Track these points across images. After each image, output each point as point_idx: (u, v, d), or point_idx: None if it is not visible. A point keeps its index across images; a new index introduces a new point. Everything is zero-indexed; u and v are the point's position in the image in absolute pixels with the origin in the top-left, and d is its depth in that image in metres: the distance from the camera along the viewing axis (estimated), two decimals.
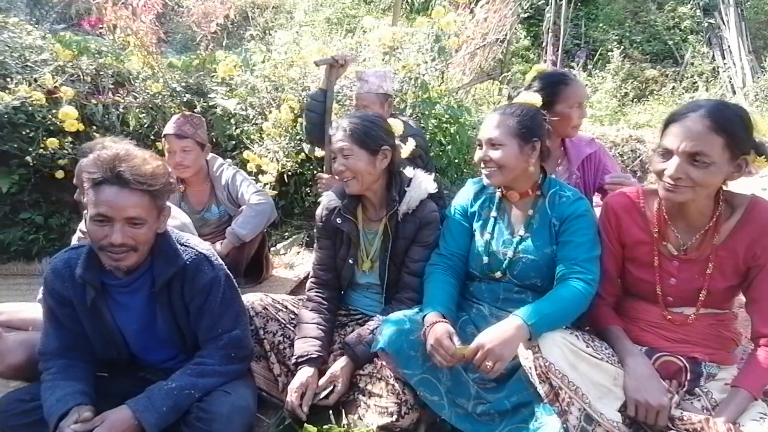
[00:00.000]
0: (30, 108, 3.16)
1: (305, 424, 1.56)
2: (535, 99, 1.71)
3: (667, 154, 1.35)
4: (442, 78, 4.09)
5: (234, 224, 2.51)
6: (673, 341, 1.52)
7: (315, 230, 1.95)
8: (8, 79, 3.20)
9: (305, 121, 2.53)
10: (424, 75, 3.48)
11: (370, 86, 2.52)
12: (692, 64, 7.18)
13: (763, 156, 1.34)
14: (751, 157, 1.34)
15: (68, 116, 2.91)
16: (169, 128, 2.52)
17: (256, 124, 3.45)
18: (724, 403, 1.37)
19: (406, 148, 2.16)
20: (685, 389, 1.46)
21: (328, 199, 1.88)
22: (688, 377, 1.47)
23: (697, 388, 1.47)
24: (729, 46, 7.16)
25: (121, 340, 1.56)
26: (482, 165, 1.65)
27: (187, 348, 1.61)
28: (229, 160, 3.00)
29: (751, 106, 5.89)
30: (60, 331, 1.53)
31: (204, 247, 1.57)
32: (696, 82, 6.93)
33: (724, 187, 1.42)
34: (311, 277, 1.95)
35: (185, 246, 1.52)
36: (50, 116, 3.15)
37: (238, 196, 2.61)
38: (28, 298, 2.07)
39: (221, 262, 1.58)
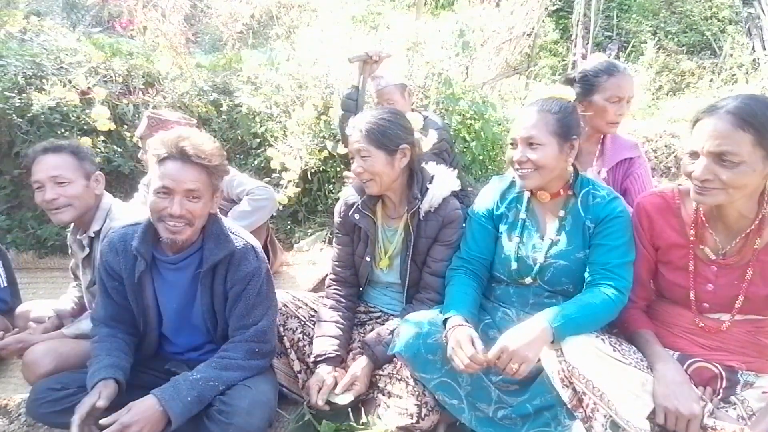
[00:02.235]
0: (65, 108, 3.29)
1: (324, 421, 1.57)
2: (569, 93, 1.61)
3: (694, 155, 1.28)
4: (467, 73, 4.03)
5: (230, 215, 2.45)
6: (708, 348, 1.45)
7: (334, 226, 1.95)
8: (44, 81, 3.34)
9: (341, 120, 2.51)
10: (447, 70, 3.43)
11: (387, 80, 2.51)
12: (731, 55, 6.85)
13: None
14: None
15: (101, 116, 3.01)
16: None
17: (280, 122, 3.48)
18: (762, 413, 1.30)
19: (428, 141, 2.12)
20: (719, 397, 1.39)
21: (347, 195, 1.87)
22: (724, 385, 1.40)
23: (732, 396, 1.39)
24: None
25: (155, 319, 1.63)
26: (517, 166, 1.54)
27: (214, 337, 1.65)
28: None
29: None
30: (107, 300, 1.64)
31: (251, 237, 1.65)
32: (735, 75, 6.61)
33: None
34: (330, 274, 1.95)
35: (235, 234, 1.62)
36: (84, 116, 3.27)
37: (233, 193, 2.55)
38: (64, 291, 2.16)
39: (264, 255, 1.65)
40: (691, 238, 1.42)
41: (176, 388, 1.44)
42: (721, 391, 1.40)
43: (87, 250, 1.86)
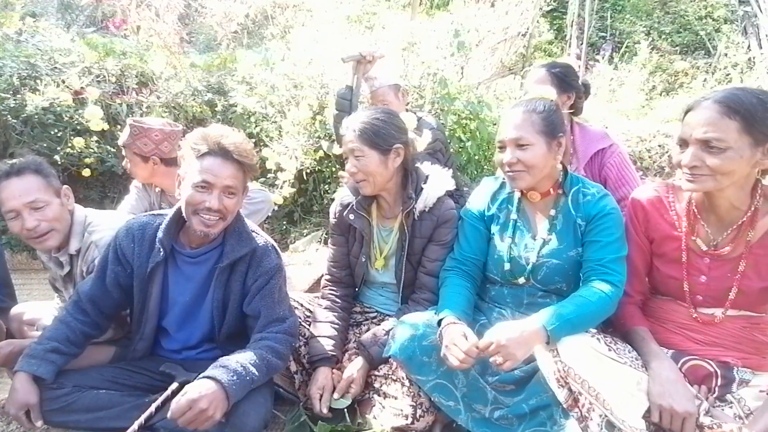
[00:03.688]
0: (58, 108, 3.26)
1: (319, 422, 1.56)
2: (550, 92, 1.64)
3: (683, 144, 1.32)
4: (462, 73, 4.03)
5: None
6: (702, 344, 1.45)
7: (329, 227, 1.94)
8: (38, 81, 3.31)
9: (335, 121, 2.50)
10: (443, 70, 3.43)
11: (381, 81, 2.51)
12: (725, 55, 6.88)
13: None
14: None
15: (94, 116, 2.99)
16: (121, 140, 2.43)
17: (276, 122, 3.47)
18: (759, 412, 1.30)
19: (422, 140, 2.11)
20: (715, 395, 1.39)
21: (342, 195, 1.86)
22: (719, 383, 1.40)
23: (729, 395, 1.39)
24: (767, 35, 6.83)
25: (156, 312, 1.63)
26: (507, 168, 1.54)
27: (217, 334, 1.66)
28: None
29: None
30: (99, 282, 1.63)
31: (269, 238, 1.70)
32: (729, 74, 6.64)
33: (764, 180, 1.35)
34: (325, 274, 1.94)
35: (256, 233, 1.66)
36: (77, 116, 3.25)
37: None
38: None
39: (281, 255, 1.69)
40: (684, 229, 1.45)
41: (227, 368, 1.41)
42: (716, 389, 1.40)
43: (67, 267, 1.80)
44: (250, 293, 1.61)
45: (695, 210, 1.44)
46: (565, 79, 2.12)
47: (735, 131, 1.24)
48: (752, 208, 1.35)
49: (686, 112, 1.34)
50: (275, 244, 1.68)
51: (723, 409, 1.37)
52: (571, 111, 2.17)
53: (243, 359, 1.46)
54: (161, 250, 1.57)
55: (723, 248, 1.41)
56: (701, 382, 1.42)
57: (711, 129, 1.25)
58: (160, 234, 1.58)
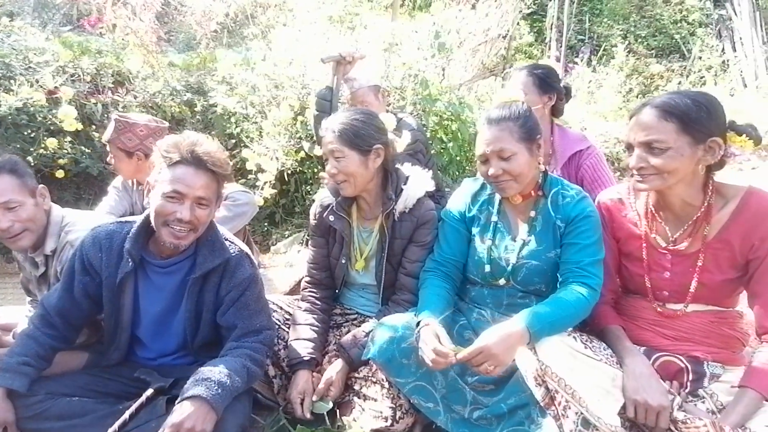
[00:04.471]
0: (31, 109, 3.18)
1: (299, 426, 1.55)
2: (517, 95, 1.66)
3: (630, 148, 1.41)
4: (443, 74, 4.05)
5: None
6: (672, 339, 1.49)
7: (309, 228, 1.92)
8: (12, 81, 3.22)
9: (315, 122, 2.48)
10: (424, 72, 3.44)
11: (360, 82, 2.50)
12: (700, 58, 7.06)
13: (744, 136, 1.34)
14: (732, 139, 1.35)
15: (67, 116, 2.91)
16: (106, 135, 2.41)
17: (256, 122, 3.44)
18: (731, 406, 1.32)
19: (402, 141, 2.12)
20: (687, 390, 1.42)
21: (322, 196, 1.85)
22: (690, 378, 1.43)
23: (701, 390, 1.42)
24: (741, 38, 7.02)
25: (128, 323, 1.59)
26: (493, 180, 1.54)
27: (191, 346, 1.63)
28: None
29: (764, 99, 5.76)
30: (65, 293, 1.57)
31: (244, 246, 1.64)
32: (704, 77, 6.82)
33: (715, 178, 1.42)
34: (305, 276, 1.93)
35: (230, 242, 1.60)
36: (51, 116, 3.16)
37: None
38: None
39: (256, 263, 1.65)
40: (644, 228, 1.51)
41: (209, 381, 1.37)
42: (688, 384, 1.43)
43: (42, 268, 1.77)
44: (223, 304, 1.56)
45: (653, 209, 1.51)
46: (546, 80, 2.14)
47: (673, 132, 1.32)
48: (705, 204, 1.41)
49: (630, 118, 1.42)
50: (250, 253, 1.63)
51: (696, 404, 1.39)
52: (552, 113, 2.20)
53: (224, 368, 1.43)
54: (130, 260, 1.51)
55: (681, 244, 1.46)
56: (673, 378, 1.45)
57: (651, 132, 1.34)
58: (127, 244, 1.51)
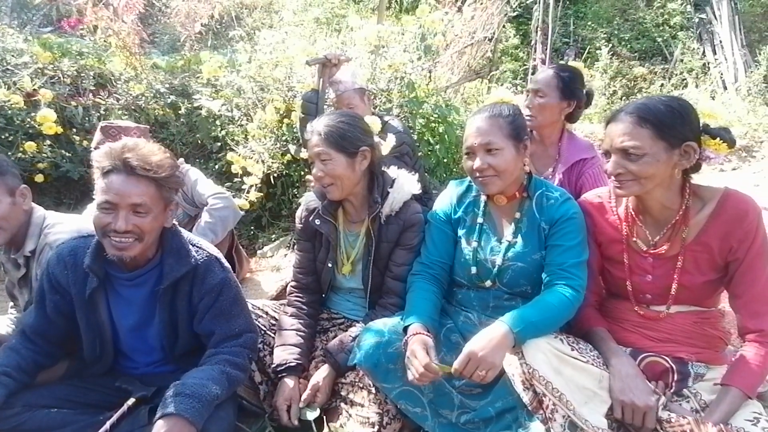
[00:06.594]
0: (9, 112, 3.11)
1: None
2: (510, 96, 1.67)
3: (607, 154, 1.43)
4: (430, 77, 4.06)
5: (195, 232, 2.38)
6: (657, 340, 1.50)
7: (295, 232, 1.91)
8: None
9: (300, 124, 2.46)
10: (410, 74, 3.44)
11: (345, 85, 2.49)
12: (681, 60, 7.19)
13: (718, 139, 1.36)
14: (707, 142, 1.37)
15: (46, 119, 2.85)
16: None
17: (242, 125, 3.40)
18: (714, 404, 1.34)
19: (387, 144, 2.11)
20: (672, 390, 1.43)
21: (308, 200, 1.83)
22: (675, 378, 1.44)
23: (685, 389, 1.44)
24: (721, 41, 7.16)
25: (110, 337, 1.55)
26: (477, 174, 1.54)
27: (170, 357, 1.59)
28: (182, 159, 2.86)
29: (743, 101, 5.89)
30: (40, 312, 1.55)
31: (213, 249, 1.59)
32: (685, 79, 6.94)
33: (692, 180, 1.44)
34: (291, 280, 1.91)
35: (197, 247, 1.55)
36: (29, 119, 3.10)
37: (193, 196, 2.51)
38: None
39: (229, 265, 1.60)
40: (624, 232, 1.52)
41: (183, 396, 1.33)
42: (673, 384, 1.44)
43: (23, 270, 1.74)
44: (198, 312, 1.52)
45: (633, 213, 1.52)
46: (570, 86, 2.08)
47: (648, 138, 1.34)
48: (683, 207, 1.43)
49: (606, 125, 1.44)
50: (219, 256, 1.58)
51: (680, 404, 1.41)
52: (566, 118, 2.15)
53: (201, 379, 1.39)
54: (93, 276, 1.47)
55: (661, 247, 1.48)
56: (658, 378, 1.46)
57: (627, 138, 1.36)
58: (87, 260, 1.46)
